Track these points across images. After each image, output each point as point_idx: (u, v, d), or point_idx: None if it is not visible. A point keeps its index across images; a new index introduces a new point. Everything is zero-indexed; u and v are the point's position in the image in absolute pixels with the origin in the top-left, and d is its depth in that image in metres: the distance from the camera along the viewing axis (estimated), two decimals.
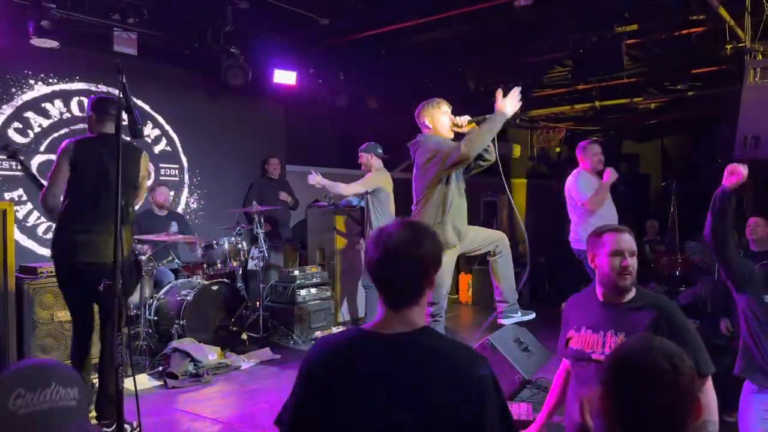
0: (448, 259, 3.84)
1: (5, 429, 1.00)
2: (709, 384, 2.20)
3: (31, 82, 5.76)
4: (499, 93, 3.63)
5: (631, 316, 2.31)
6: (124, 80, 2.67)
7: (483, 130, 3.61)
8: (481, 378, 1.50)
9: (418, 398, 1.47)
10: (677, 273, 7.57)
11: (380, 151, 5.97)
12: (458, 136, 3.83)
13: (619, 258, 2.31)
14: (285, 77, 6.96)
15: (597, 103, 9.04)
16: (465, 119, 3.83)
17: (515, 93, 3.62)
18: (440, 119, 3.84)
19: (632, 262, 2.32)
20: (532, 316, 4.07)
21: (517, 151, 10.98)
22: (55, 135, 5.89)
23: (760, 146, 4.39)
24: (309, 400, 1.57)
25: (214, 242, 5.82)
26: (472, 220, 4.06)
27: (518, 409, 3.26)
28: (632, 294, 2.37)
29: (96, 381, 3.73)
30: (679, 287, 7.10)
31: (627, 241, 2.35)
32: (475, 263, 7.95)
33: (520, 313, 4.02)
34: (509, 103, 3.59)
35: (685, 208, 8.10)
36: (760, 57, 5.49)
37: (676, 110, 9.89)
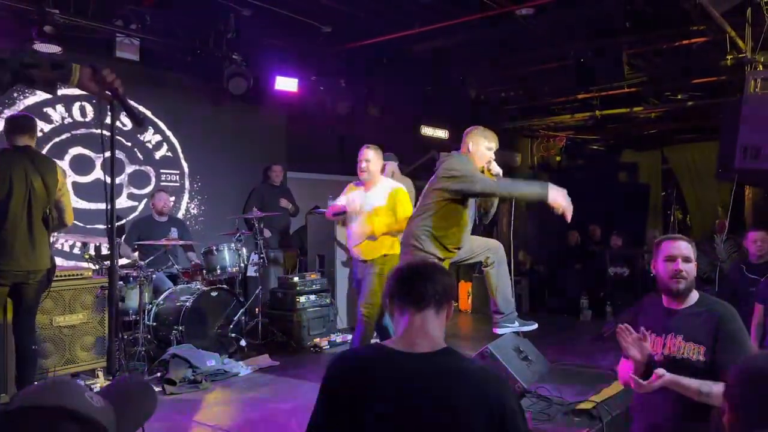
0: None
1: (104, 419, 1.07)
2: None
3: None
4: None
5: (691, 320, 2.46)
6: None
7: (524, 190, 3.80)
8: (508, 407, 1.53)
9: (442, 421, 1.49)
10: None
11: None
12: None
13: (672, 263, 2.47)
14: (287, 84, 6.98)
15: (597, 113, 9.06)
16: (499, 172, 3.96)
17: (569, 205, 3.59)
18: (483, 151, 3.95)
19: (685, 267, 2.47)
20: (533, 326, 4.06)
21: (518, 159, 11.01)
22: (57, 140, 5.91)
23: (761, 157, 4.39)
24: (330, 420, 1.60)
25: (214, 248, 5.82)
26: (472, 228, 4.08)
27: None
28: (694, 299, 2.52)
29: None
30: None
31: (680, 247, 2.50)
32: (474, 271, 7.94)
33: (517, 323, 4.01)
34: (558, 195, 3.57)
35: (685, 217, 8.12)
36: (760, 68, 5.50)
37: (676, 120, 9.92)
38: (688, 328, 2.44)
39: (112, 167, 2.07)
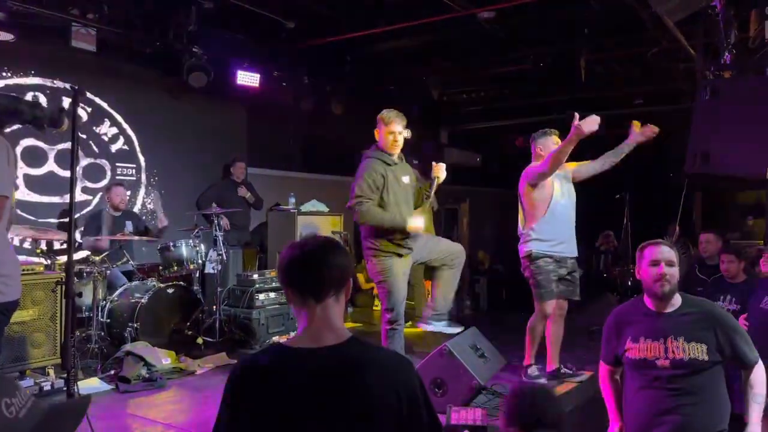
0: (400, 266, 3.86)
1: None
2: (760, 364, 2.53)
3: None
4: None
5: (685, 321, 2.55)
6: None
7: (385, 222, 3.78)
8: (414, 393, 1.54)
9: (359, 414, 1.48)
10: (629, 283, 7.79)
11: None
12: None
13: (656, 267, 2.56)
14: (248, 79, 6.90)
15: (555, 115, 9.23)
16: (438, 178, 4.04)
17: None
18: (385, 138, 3.97)
19: (668, 271, 2.55)
20: (459, 330, 4.07)
21: (478, 160, 11.14)
22: (8, 131, 5.69)
23: (709, 163, 4.55)
24: (236, 427, 1.53)
25: (171, 244, 5.72)
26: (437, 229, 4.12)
27: (473, 415, 3.29)
28: (680, 302, 2.61)
29: None
30: (631, 296, 7.29)
31: (663, 251, 2.59)
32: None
33: (444, 323, 4.06)
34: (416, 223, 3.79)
35: (638, 220, 8.35)
36: (711, 76, 5.69)
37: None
38: (686, 329, 2.51)
39: (72, 161, 2.02)
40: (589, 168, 4.39)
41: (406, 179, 4.02)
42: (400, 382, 1.53)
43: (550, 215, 4.12)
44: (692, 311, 2.57)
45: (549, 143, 4.23)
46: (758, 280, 4.26)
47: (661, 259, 2.56)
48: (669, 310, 2.59)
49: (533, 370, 4.14)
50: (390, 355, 1.66)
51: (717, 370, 2.50)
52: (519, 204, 4.31)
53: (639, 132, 4.26)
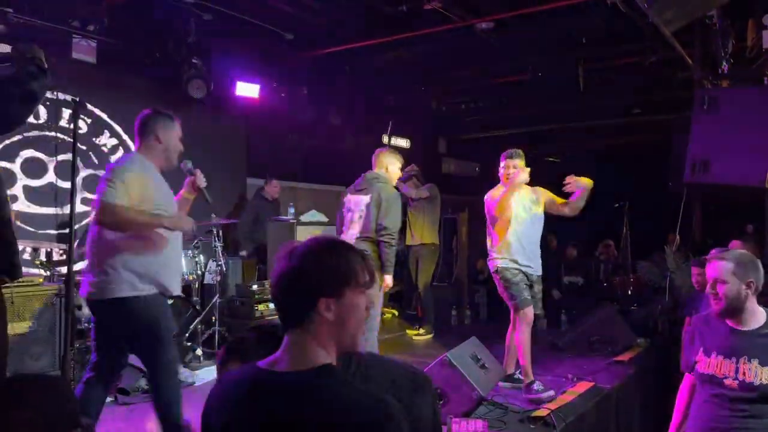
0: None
1: None
2: None
3: None
4: None
5: (762, 342, 2.37)
6: None
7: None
8: None
9: None
10: (629, 292, 7.77)
11: None
12: None
13: (708, 284, 2.48)
14: (248, 90, 6.92)
15: (554, 125, 9.28)
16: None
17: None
18: (398, 174, 4.68)
19: (718, 289, 2.41)
20: None
21: (477, 170, 11.16)
22: (8, 142, 5.72)
23: (709, 172, 4.56)
24: None
25: None
26: None
27: (474, 426, 3.28)
28: (763, 320, 2.42)
29: None
30: (631, 306, 7.28)
31: (711, 268, 2.45)
32: (434, 280, 7.97)
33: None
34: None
35: (637, 229, 8.36)
36: (709, 85, 5.71)
37: (629, 134, 10.22)
38: (763, 351, 2.33)
39: (73, 172, 2.03)
40: (560, 209, 4.67)
41: None
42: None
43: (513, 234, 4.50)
44: None
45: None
46: (693, 293, 4.27)
47: (710, 277, 2.45)
48: (747, 327, 2.41)
49: (538, 386, 4.09)
50: (372, 402, 1.28)
51: None
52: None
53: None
